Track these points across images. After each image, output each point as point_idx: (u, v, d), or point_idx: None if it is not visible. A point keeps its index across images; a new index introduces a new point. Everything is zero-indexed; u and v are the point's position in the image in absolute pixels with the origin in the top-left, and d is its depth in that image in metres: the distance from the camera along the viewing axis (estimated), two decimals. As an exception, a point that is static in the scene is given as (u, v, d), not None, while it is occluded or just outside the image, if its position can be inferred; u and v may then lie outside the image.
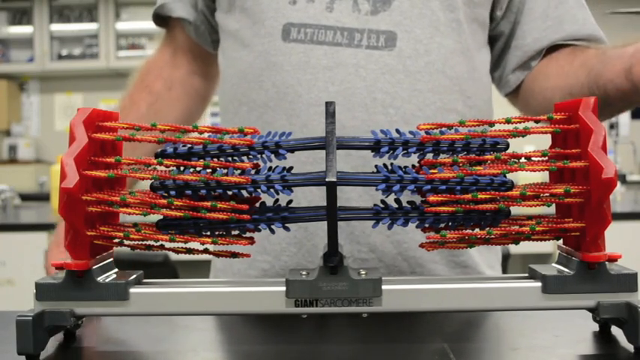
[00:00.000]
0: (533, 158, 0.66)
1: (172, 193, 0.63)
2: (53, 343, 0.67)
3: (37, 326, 0.63)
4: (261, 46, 0.96)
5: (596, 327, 0.71)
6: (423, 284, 0.65)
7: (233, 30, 1.02)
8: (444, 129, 0.65)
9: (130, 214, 0.64)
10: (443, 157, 0.65)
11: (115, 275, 0.67)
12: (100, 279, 0.65)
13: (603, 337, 0.70)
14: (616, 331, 0.69)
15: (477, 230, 0.65)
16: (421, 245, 0.67)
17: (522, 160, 0.65)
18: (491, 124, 0.65)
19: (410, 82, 0.93)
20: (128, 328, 0.76)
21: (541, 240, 0.67)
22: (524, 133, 0.65)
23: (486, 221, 0.65)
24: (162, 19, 1.16)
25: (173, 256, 2.67)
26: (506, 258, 2.75)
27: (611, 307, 0.64)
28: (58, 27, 5.00)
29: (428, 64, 0.94)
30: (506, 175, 0.64)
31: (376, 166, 0.66)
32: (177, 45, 1.15)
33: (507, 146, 0.66)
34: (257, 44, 0.97)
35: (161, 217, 0.65)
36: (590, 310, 0.66)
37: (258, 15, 0.97)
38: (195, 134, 0.66)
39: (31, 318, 0.62)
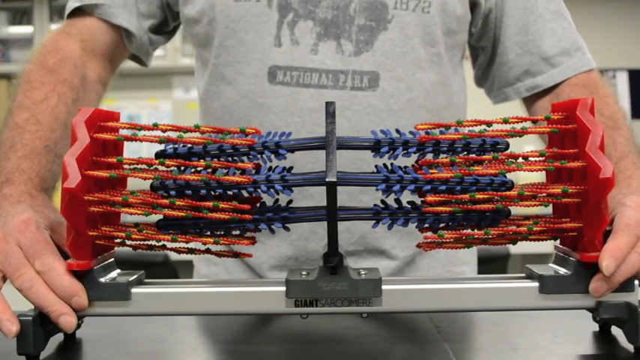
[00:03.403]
0: (530, 158, 0.66)
1: (173, 193, 0.63)
2: (53, 343, 0.68)
3: (37, 326, 0.63)
4: (247, 86, 0.96)
5: (596, 327, 0.72)
6: (423, 284, 0.66)
7: (211, 64, 1.00)
8: (443, 129, 0.66)
9: (132, 214, 0.64)
10: (443, 157, 0.65)
11: (116, 275, 0.68)
12: (101, 279, 0.65)
13: (603, 337, 0.70)
14: (616, 331, 0.69)
15: (474, 230, 0.65)
16: (418, 245, 0.67)
17: (520, 160, 0.65)
18: (489, 124, 0.66)
19: (393, 119, 0.95)
20: (128, 328, 0.76)
21: (538, 240, 0.67)
22: (521, 133, 0.65)
23: (486, 221, 0.65)
24: (77, 10, 1.03)
25: (173, 256, 2.67)
26: (506, 258, 2.75)
27: (610, 307, 0.64)
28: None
29: (409, 101, 0.96)
30: (506, 175, 0.64)
31: (376, 166, 0.66)
32: (94, 46, 1.03)
33: (507, 146, 0.66)
34: (242, 83, 0.96)
35: (161, 217, 0.65)
36: (590, 310, 0.66)
37: (242, 55, 0.96)
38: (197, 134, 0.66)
39: (31, 318, 0.62)
